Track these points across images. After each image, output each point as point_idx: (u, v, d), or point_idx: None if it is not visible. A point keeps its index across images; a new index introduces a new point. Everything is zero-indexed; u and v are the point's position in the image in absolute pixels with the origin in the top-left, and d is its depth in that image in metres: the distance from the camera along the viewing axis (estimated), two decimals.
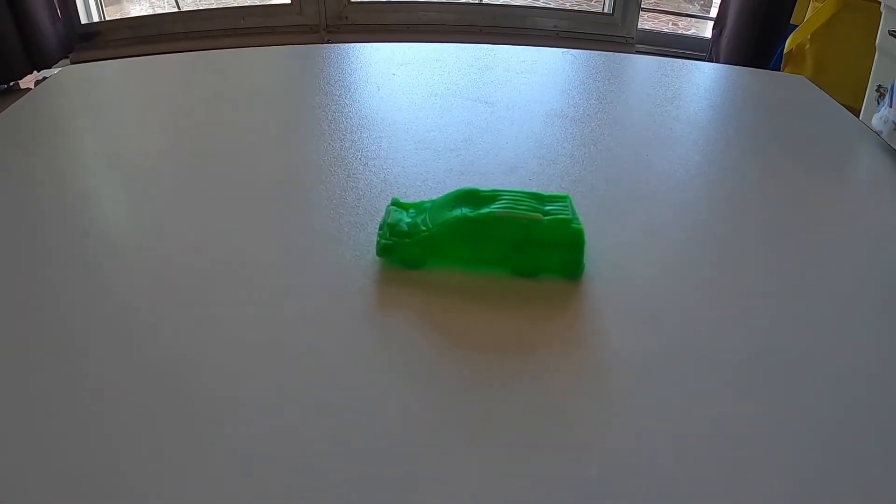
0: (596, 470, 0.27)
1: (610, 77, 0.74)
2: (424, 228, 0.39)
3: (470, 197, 0.40)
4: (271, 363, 0.32)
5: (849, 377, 0.32)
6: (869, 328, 0.36)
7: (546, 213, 0.39)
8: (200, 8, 2.31)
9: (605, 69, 0.76)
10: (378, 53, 0.78)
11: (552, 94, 0.69)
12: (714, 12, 1.99)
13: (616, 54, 0.84)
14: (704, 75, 0.79)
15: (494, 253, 0.39)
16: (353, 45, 0.80)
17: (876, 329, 0.36)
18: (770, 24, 1.72)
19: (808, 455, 0.28)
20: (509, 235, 0.38)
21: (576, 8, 2.68)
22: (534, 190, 0.41)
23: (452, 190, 0.41)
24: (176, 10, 2.21)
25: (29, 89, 1.80)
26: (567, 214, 0.39)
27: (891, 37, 1.19)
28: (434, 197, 0.43)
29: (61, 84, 0.71)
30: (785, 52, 1.56)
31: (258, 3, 2.24)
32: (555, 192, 0.41)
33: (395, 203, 0.43)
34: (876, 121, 0.49)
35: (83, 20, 2.08)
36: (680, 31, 2.55)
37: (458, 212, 0.39)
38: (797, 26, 1.53)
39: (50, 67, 1.89)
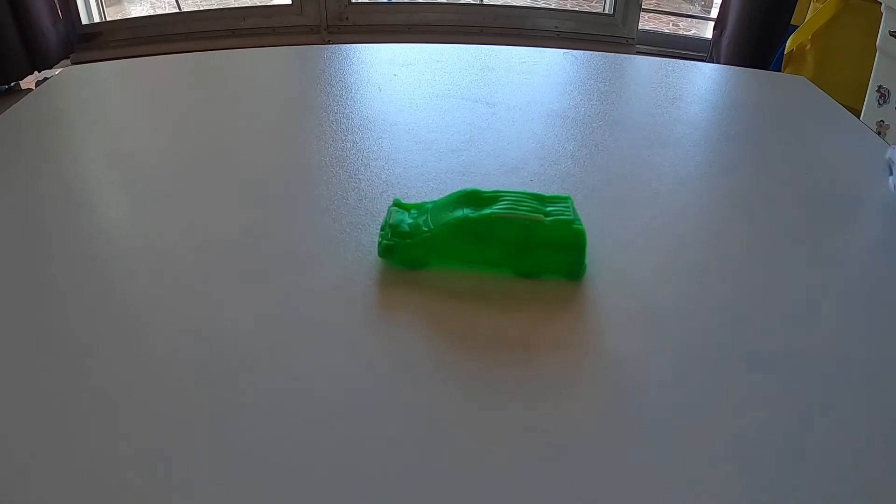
0: (598, 470, 0.27)
1: (611, 78, 0.74)
2: (426, 229, 0.39)
3: (471, 198, 0.40)
4: (274, 363, 0.32)
5: (849, 375, 0.32)
6: (869, 327, 0.36)
7: (547, 214, 0.39)
8: (201, 9, 2.31)
9: (605, 70, 0.77)
10: (379, 54, 0.78)
11: (553, 94, 0.69)
12: (715, 13, 1.99)
13: (617, 55, 0.84)
14: (705, 76, 0.79)
15: (496, 254, 0.39)
16: (354, 45, 0.80)
17: (876, 326, 0.36)
18: (771, 25, 1.72)
19: (809, 455, 0.28)
20: (511, 236, 0.38)
21: (576, 9, 2.69)
22: (535, 191, 0.41)
23: (454, 191, 0.41)
24: (177, 10, 2.21)
25: (30, 90, 1.80)
26: (569, 215, 0.39)
27: (891, 37, 1.19)
28: (435, 198, 0.43)
29: (62, 85, 0.71)
30: (785, 52, 1.56)
31: (259, 4, 2.25)
32: (556, 193, 0.41)
33: (397, 203, 0.43)
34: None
35: (84, 21, 2.08)
36: (680, 32, 2.55)
37: (459, 212, 0.39)
38: (798, 27, 1.54)
39: (51, 68, 1.89)
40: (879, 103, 1.22)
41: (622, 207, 0.47)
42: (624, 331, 0.35)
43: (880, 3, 1.22)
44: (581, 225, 0.39)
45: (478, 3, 2.20)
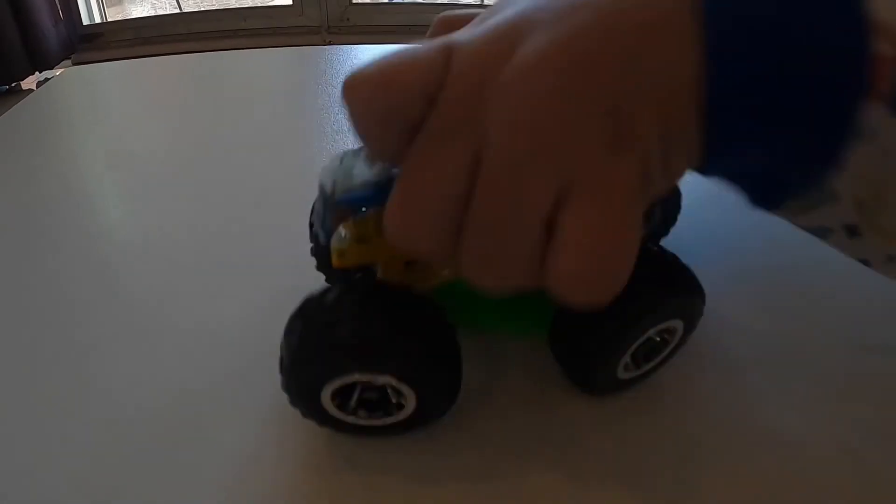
0: (601, 472, 0.27)
1: None
2: None
3: None
4: (277, 364, 0.32)
5: (853, 376, 0.32)
6: (869, 325, 0.35)
7: None
8: (202, 9, 2.31)
9: None
10: (381, 55, 0.78)
11: None
12: None
13: None
14: None
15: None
16: (355, 46, 0.80)
17: (877, 325, 0.35)
18: None
19: (814, 456, 0.27)
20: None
21: None
22: None
23: None
24: (177, 11, 2.21)
25: (30, 90, 1.80)
26: None
27: None
28: None
29: (63, 85, 0.71)
30: None
31: (259, 5, 2.25)
32: None
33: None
34: None
35: (85, 21, 2.08)
36: None
37: None
38: None
39: (52, 68, 1.90)
40: None
41: None
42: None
43: None
44: None
45: (479, 3, 2.21)
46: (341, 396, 0.25)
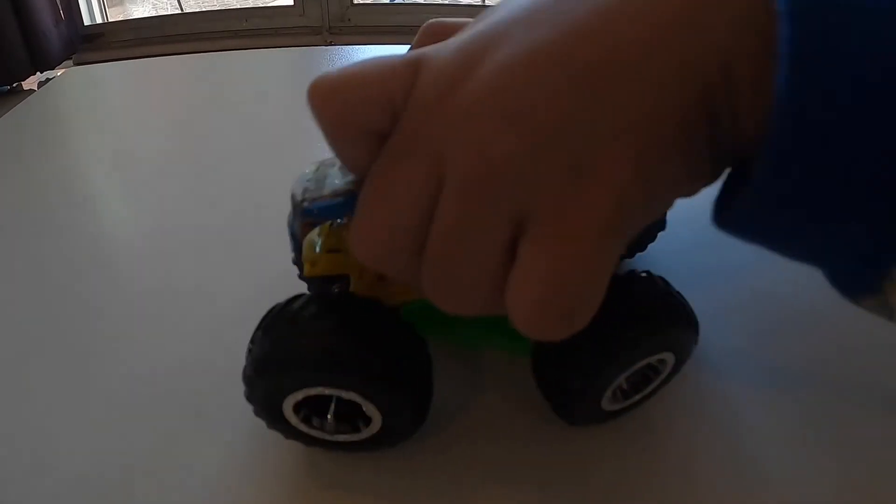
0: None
1: None
2: None
3: None
4: None
5: (857, 379, 0.32)
6: (870, 324, 0.35)
7: None
8: (203, 9, 2.31)
9: None
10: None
11: None
12: None
13: None
14: None
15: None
16: (356, 47, 0.80)
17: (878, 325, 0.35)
18: None
19: (820, 460, 0.27)
20: None
21: None
22: None
23: None
24: (179, 11, 2.22)
25: (32, 90, 1.81)
26: None
27: None
28: None
29: (65, 86, 0.71)
30: None
31: (261, 5, 2.25)
32: None
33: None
34: None
35: (86, 21, 2.08)
36: None
37: None
38: None
39: (53, 69, 1.90)
40: None
41: None
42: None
43: None
44: None
45: (480, 3, 2.20)
46: (308, 409, 0.25)
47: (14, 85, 1.87)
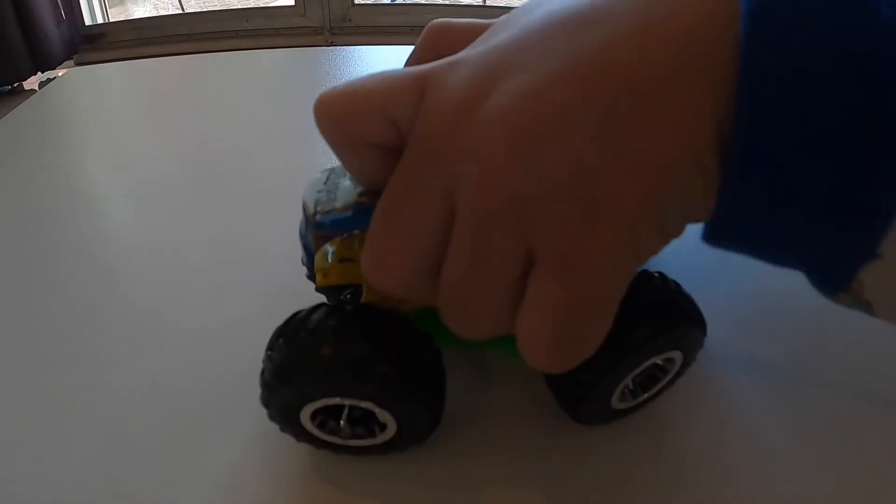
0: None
1: None
2: None
3: None
4: None
5: (856, 375, 0.32)
6: (877, 325, 0.35)
7: None
8: (204, 10, 2.31)
9: None
10: (383, 56, 0.78)
11: None
12: None
13: None
14: None
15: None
16: (357, 47, 0.80)
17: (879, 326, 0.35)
18: None
19: (824, 460, 0.27)
20: None
21: None
22: None
23: None
24: (180, 11, 2.22)
25: (33, 91, 1.81)
26: None
27: None
28: None
29: (66, 86, 0.71)
30: None
31: (262, 5, 2.25)
32: None
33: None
34: None
35: (87, 21, 2.09)
36: None
37: None
38: None
39: (54, 69, 1.90)
40: None
41: None
42: None
43: None
44: None
45: (481, 3, 2.20)
46: (324, 414, 0.25)
47: (15, 85, 1.87)
